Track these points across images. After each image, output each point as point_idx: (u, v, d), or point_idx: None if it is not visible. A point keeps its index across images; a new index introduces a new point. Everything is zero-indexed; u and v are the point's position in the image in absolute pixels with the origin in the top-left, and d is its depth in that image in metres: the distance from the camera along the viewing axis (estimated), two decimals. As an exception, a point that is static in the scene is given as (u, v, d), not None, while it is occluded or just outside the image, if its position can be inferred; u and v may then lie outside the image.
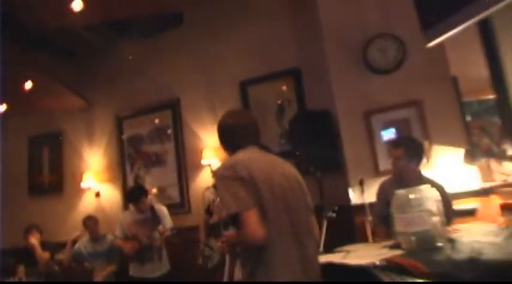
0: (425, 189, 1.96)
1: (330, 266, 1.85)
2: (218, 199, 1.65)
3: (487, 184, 3.07)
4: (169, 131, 4.94)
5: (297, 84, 4.40)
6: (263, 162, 1.77)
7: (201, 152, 4.59)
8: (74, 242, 4.57)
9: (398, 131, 3.48)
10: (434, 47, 2.22)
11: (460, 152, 3.24)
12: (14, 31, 3.96)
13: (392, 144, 2.99)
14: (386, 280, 1.60)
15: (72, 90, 4.90)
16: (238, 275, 2.17)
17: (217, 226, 3.92)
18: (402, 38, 3.51)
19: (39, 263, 4.45)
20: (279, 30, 4.58)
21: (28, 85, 4.34)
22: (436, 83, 3.39)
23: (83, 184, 5.21)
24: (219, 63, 4.82)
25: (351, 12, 3.73)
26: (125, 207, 4.99)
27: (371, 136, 3.56)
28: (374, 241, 2.74)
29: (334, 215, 3.04)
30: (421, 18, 2.17)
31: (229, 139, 1.91)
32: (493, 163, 3.09)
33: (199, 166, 4.67)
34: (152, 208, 3.99)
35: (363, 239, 3.03)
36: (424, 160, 2.91)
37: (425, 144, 3.17)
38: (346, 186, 3.59)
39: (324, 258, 1.95)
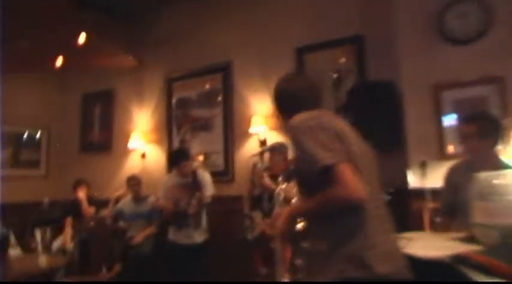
0: (512, 174, 1.61)
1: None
2: (297, 156, 1.38)
3: None
4: (219, 96, 4.76)
5: (358, 53, 4.03)
6: (340, 120, 1.54)
7: (250, 120, 4.38)
8: (117, 200, 4.59)
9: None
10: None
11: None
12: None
13: (464, 120, 2.50)
14: (475, 278, 1.32)
15: (124, 49, 4.81)
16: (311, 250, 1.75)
17: (260, 198, 3.75)
18: (488, 3, 3.04)
19: (84, 217, 4.51)
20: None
21: (81, 40, 4.27)
22: (523, 58, 2.93)
23: (130, 144, 5.19)
24: (274, 27, 4.53)
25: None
26: (169, 169, 4.94)
27: (439, 114, 3.17)
28: (434, 231, 2.43)
29: (389, 197, 2.74)
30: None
31: (290, 105, 1.67)
32: None
33: (246, 134, 4.47)
34: (195, 173, 3.87)
35: (418, 227, 2.72)
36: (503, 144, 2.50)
37: (505, 122, 2.71)
38: (406, 167, 3.25)
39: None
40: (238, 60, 4.71)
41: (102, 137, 5.65)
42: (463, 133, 2.38)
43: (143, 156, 5.20)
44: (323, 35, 4.21)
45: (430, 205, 2.65)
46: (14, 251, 3.16)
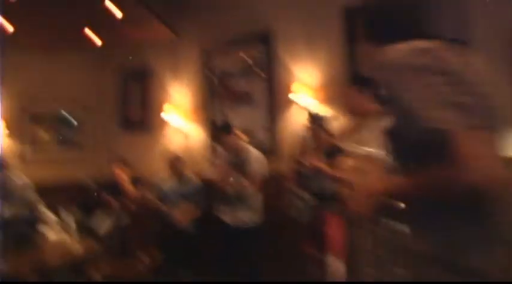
0: None
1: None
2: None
3: None
4: (260, 66, 4.40)
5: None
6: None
7: (295, 91, 4.01)
8: (159, 181, 4.41)
9: None
10: None
11: None
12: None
13: None
14: None
15: (159, 19, 4.52)
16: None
17: (307, 176, 3.41)
18: None
19: (127, 197, 4.38)
20: None
21: (118, 14, 4.04)
22: None
23: (169, 122, 4.98)
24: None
25: None
26: (210, 146, 4.70)
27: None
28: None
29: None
30: None
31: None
32: None
33: (291, 106, 4.11)
34: (242, 151, 3.59)
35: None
36: None
37: None
38: None
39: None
40: (279, 26, 4.32)
41: (140, 115, 5.47)
42: None
43: (183, 133, 4.98)
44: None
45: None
46: (53, 234, 3.03)
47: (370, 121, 2.19)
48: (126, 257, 3.15)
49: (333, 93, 3.85)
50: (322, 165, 2.12)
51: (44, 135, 5.31)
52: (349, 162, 2.38)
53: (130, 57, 5.30)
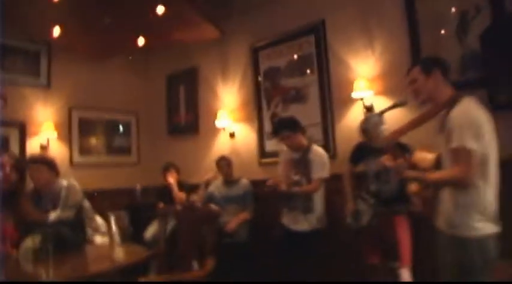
0: None
1: None
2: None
3: None
4: (312, 61, 4.11)
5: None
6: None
7: (352, 84, 3.68)
8: (207, 184, 4.23)
9: None
10: None
11: None
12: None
13: None
14: None
15: (206, 18, 4.37)
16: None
17: (364, 176, 3.07)
18: None
19: (176, 202, 4.23)
20: None
21: (160, 11, 3.92)
22: None
23: (218, 124, 4.80)
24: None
25: None
26: (259, 149, 4.46)
27: None
28: None
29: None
30: None
31: None
32: None
33: (348, 101, 3.77)
34: (307, 150, 3.31)
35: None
36: None
37: None
38: None
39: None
40: (332, 17, 4.02)
41: (189, 118, 5.36)
42: None
43: (232, 135, 4.78)
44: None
45: None
46: (99, 238, 2.90)
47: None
48: (175, 269, 2.95)
49: (394, 84, 3.49)
50: (393, 163, 1.81)
51: (92, 139, 5.31)
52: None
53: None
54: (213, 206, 3.57)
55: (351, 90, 3.67)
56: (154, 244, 3.99)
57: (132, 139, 5.71)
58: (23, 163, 2.95)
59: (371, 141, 2.78)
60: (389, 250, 2.87)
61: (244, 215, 3.94)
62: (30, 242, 2.32)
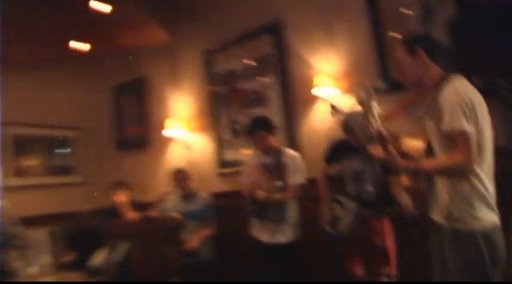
0: None
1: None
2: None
3: None
4: (270, 61, 3.86)
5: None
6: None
7: (313, 83, 3.44)
8: (163, 200, 3.82)
9: None
10: None
11: None
12: None
13: None
14: None
15: (152, 19, 4.03)
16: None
17: (341, 178, 2.81)
18: None
19: (126, 223, 3.76)
20: None
21: (106, 9, 3.54)
22: None
23: (170, 135, 4.42)
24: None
25: None
26: (218, 158, 4.12)
27: None
28: None
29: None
30: None
31: None
32: None
33: (311, 101, 3.53)
34: (280, 153, 3.00)
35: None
36: None
37: None
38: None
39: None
40: (289, 15, 3.80)
41: (137, 131, 4.93)
42: None
43: (187, 146, 4.41)
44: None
45: None
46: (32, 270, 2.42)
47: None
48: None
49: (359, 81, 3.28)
50: (383, 153, 1.56)
51: (31, 160, 4.74)
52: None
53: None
54: (173, 213, 3.16)
55: (312, 88, 3.43)
56: (102, 271, 3.49)
57: (76, 157, 5.18)
58: None
59: (355, 139, 2.55)
60: (372, 258, 2.60)
61: (206, 232, 3.57)
62: None
